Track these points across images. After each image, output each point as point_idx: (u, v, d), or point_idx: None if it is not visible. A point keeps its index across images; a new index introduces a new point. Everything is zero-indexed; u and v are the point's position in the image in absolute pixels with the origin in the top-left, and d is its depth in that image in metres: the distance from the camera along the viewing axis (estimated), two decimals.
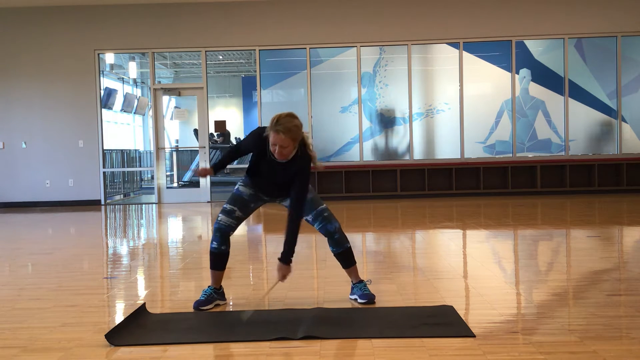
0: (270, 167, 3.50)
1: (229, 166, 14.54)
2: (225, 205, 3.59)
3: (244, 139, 3.63)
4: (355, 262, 3.68)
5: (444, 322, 3.14)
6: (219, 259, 3.60)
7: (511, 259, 5.13)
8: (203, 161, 11.13)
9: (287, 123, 3.31)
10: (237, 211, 3.57)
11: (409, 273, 4.57)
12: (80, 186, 11.01)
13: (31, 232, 7.89)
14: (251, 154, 3.59)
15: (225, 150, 3.64)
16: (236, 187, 3.65)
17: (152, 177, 12.15)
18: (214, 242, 3.58)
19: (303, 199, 3.46)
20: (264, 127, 3.45)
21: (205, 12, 10.82)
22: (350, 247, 3.66)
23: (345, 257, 3.65)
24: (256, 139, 3.49)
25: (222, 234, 3.56)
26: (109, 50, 11.45)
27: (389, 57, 10.96)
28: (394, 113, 11.03)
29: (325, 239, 3.65)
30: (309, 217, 3.60)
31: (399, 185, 10.66)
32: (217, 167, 3.66)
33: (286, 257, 3.41)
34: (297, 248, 3.46)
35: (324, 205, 3.62)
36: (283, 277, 3.44)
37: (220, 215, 3.57)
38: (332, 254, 3.68)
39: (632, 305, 3.44)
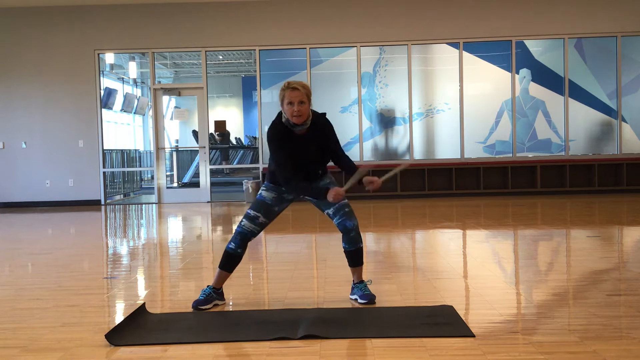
0: (299, 146, 3.51)
1: (228, 166, 14.62)
2: (248, 211, 3.60)
3: (271, 141, 3.51)
4: (362, 263, 3.70)
5: (443, 322, 3.14)
6: (232, 260, 3.61)
7: (511, 259, 5.12)
8: (203, 161, 11.13)
9: (299, 82, 3.48)
10: (260, 217, 3.58)
11: (409, 273, 4.57)
12: (80, 186, 11.01)
13: (31, 232, 7.88)
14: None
15: (278, 162, 3.53)
16: (259, 192, 3.66)
17: (152, 177, 12.15)
18: (232, 243, 3.58)
19: (342, 150, 3.78)
20: (275, 118, 3.54)
21: (205, 12, 10.82)
22: (362, 247, 3.67)
23: (356, 255, 3.65)
24: (277, 127, 3.50)
25: (243, 237, 3.57)
26: (109, 50, 11.44)
27: (389, 57, 10.96)
28: (394, 113, 11.02)
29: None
30: (330, 211, 3.62)
31: (399, 185, 10.65)
32: (297, 177, 3.52)
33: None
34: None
35: (346, 200, 3.64)
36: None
37: (243, 220, 3.58)
38: (343, 251, 3.68)
39: (632, 305, 3.44)
